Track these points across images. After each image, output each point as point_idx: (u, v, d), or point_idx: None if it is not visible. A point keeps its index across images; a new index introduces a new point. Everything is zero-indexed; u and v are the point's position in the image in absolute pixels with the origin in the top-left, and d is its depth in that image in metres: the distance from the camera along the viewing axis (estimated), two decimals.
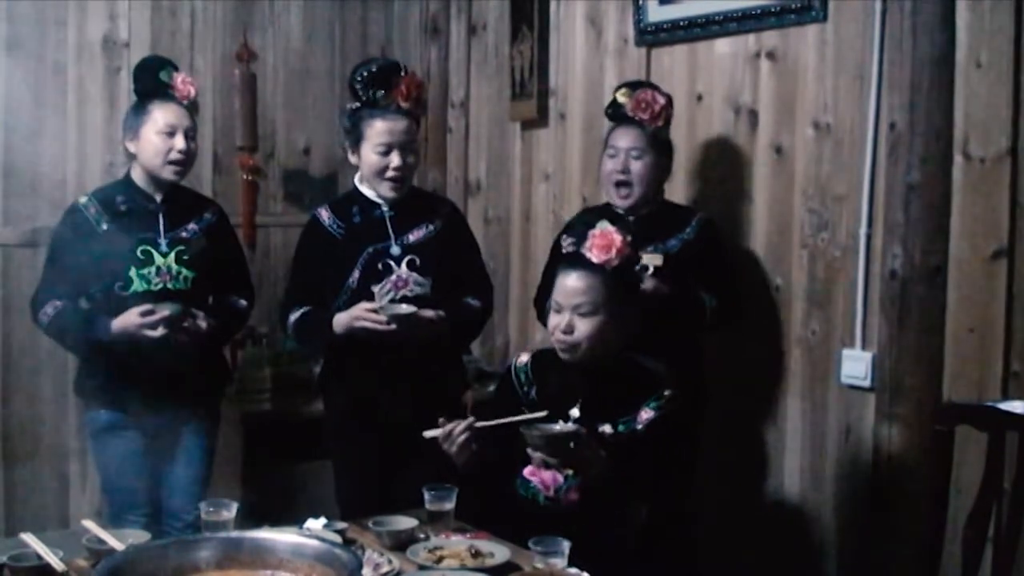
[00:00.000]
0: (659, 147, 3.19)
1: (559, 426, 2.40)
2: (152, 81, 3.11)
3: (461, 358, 3.49)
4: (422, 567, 2.15)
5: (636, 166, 3.16)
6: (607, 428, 2.46)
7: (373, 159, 3.06)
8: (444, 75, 4.69)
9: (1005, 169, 2.78)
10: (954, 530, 2.50)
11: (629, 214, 3.19)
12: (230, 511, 2.32)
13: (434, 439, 2.45)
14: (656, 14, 3.69)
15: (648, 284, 3.00)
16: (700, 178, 3.62)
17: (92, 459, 3.36)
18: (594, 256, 2.46)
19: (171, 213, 3.12)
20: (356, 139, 3.09)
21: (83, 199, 3.13)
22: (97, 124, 4.09)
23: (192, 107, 3.14)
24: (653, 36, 3.72)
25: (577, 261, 2.50)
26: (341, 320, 3.01)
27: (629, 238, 2.50)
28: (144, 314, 2.95)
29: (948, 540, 2.46)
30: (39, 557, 2.12)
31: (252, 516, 2.41)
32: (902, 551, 2.93)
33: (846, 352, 3.17)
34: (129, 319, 2.96)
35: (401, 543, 2.27)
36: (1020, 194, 2.77)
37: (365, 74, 3.07)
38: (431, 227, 3.14)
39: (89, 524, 2.27)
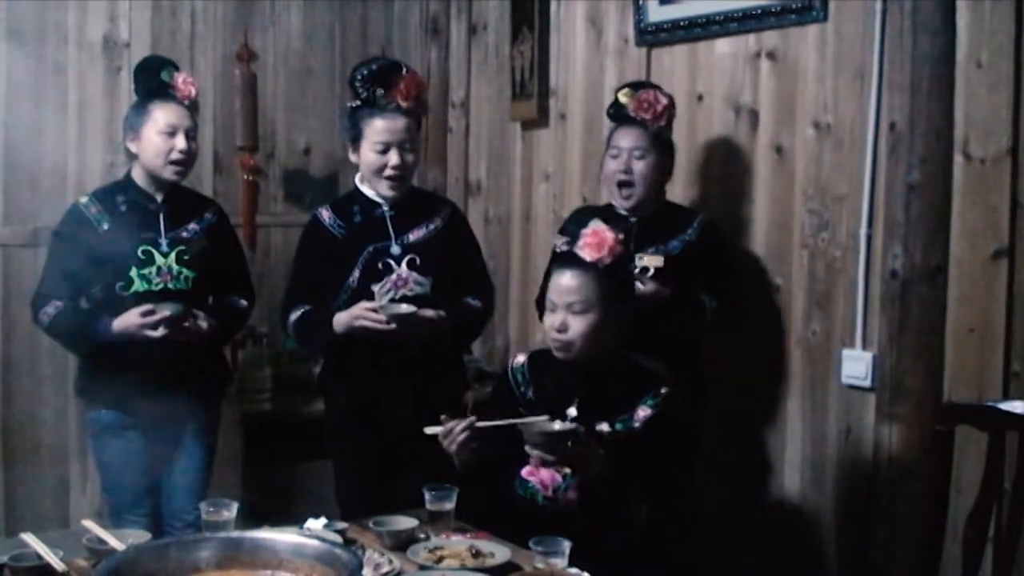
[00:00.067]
0: (661, 147, 3.19)
1: (558, 425, 2.41)
2: (153, 81, 3.11)
3: (462, 358, 3.50)
4: (422, 567, 2.15)
5: (639, 166, 3.16)
6: (605, 427, 2.47)
7: (372, 158, 3.06)
8: (444, 75, 4.69)
9: (1005, 169, 2.78)
10: (954, 530, 2.50)
11: (631, 215, 3.19)
12: (230, 511, 2.32)
13: (434, 436, 2.46)
14: (656, 14, 3.69)
15: (648, 286, 3.01)
16: (700, 178, 3.62)
17: (92, 459, 3.36)
18: (586, 254, 2.48)
19: (172, 213, 3.12)
20: (356, 138, 3.09)
21: (84, 199, 3.13)
22: (97, 124, 4.10)
23: (193, 107, 3.14)
24: (653, 36, 3.72)
25: (570, 260, 2.51)
26: (341, 319, 3.01)
27: (621, 236, 2.51)
28: (145, 314, 2.95)
29: (948, 540, 2.46)
30: (39, 557, 2.12)
31: (252, 516, 2.42)
32: (902, 551, 2.93)
33: (846, 352, 3.17)
34: (130, 319, 2.96)
35: (401, 543, 2.27)
36: (1020, 194, 2.77)
37: (365, 72, 3.08)
38: (431, 227, 3.14)
39: (89, 524, 2.27)
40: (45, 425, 4.04)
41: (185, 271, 3.09)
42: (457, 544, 2.25)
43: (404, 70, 3.10)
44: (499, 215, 4.54)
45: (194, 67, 4.18)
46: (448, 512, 2.45)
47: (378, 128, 3.04)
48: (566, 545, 2.20)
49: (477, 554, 2.19)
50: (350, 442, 3.15)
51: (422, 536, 2.32)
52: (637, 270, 3.08)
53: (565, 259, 2.53)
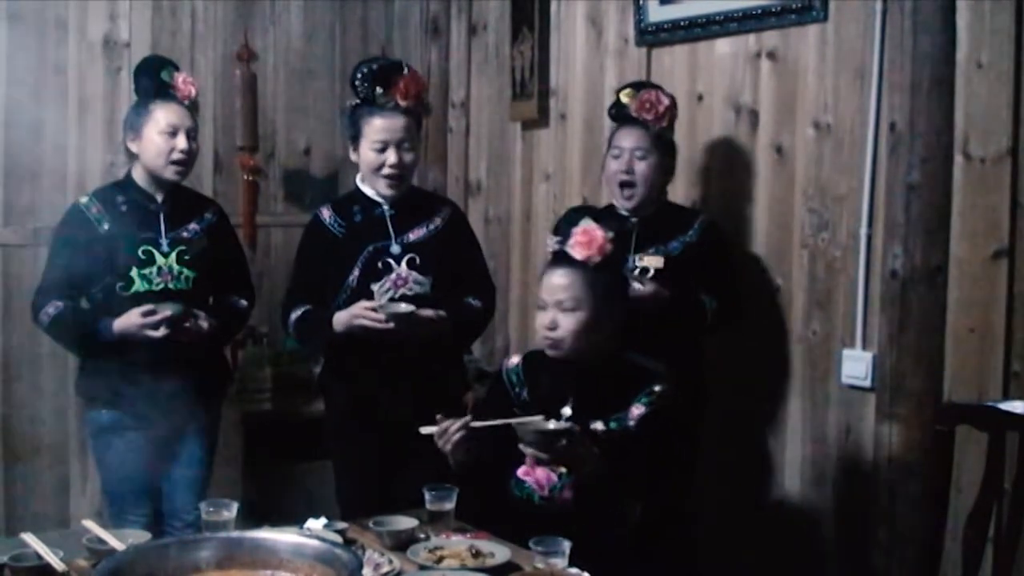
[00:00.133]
0: (663, 148, 3.19)
1: (552, 424, 2.42)
2: (153, 81, 3.10)
3: (462, 358, 3.50)
4: (422, 567, 2.15)
5: (640, 166, 3.16)
6: (599, 425, 2.47)
7: (370, 156, 3.06)
8: (444, 75, 4.69)
9: (1005, 169, 2.78)
10: (954, 530, 2.50)
11: (632, 215, 3.19)
12: (230, 511, 2.32)
13: (430, 436, 2.47)
14: (656, 14, 3.69)
15: (648, 287, 3.01)
16: (700, 178, 3.62)
17: (92, 459, 3.36)
18: (576, 253, 2.49)
19: (172, 213, 3.12)
20: (355, 136, 3.09)
21: (84, 199, 3.13)
22: (98, 124, 4.10)
23: (193, 107, 3.14)
24: (653, 36, 3.72)
25: (561, 259, 2.53)
26: (340, 318, 3.01)
27: (611, 235, 2.52)
28: (146, 314, 2.95)
29: (948, 540, 2.46)
30: (39, 557, 2.12)
31: (252, 516, 2.42)
32: (902, 551, 2.93)
33: (846, 352, 3.17)
34: (131, 319, 2.96)
35: (401, 543, 2.27)
36: (1020, 194, 2.77)
37: (366, 71, 3.08)
38: (432, 226, 3.14)
39: (89, 524, 2.27)
40: (45, 425, 4.04)
41: (186, 271, 3.09)
42: (457, 544, 2.25)
43: (405, 70, 3.10)
44: (499, 215, 4.54)
45: (194, 67, 4.18)
46: (448, 512, 2.45)
47: (377, 127, 3.05)
48: (566, 545, 2.20)
49: (477, 554, 2.19)
50: (350, 442, 3.15)
51: (422, 536, 2.32)
52: (637, 271, 3.09)
53: (556, 258, 2.55)
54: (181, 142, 3.07)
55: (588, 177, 3.99)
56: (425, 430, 2.48)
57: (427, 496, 2.46)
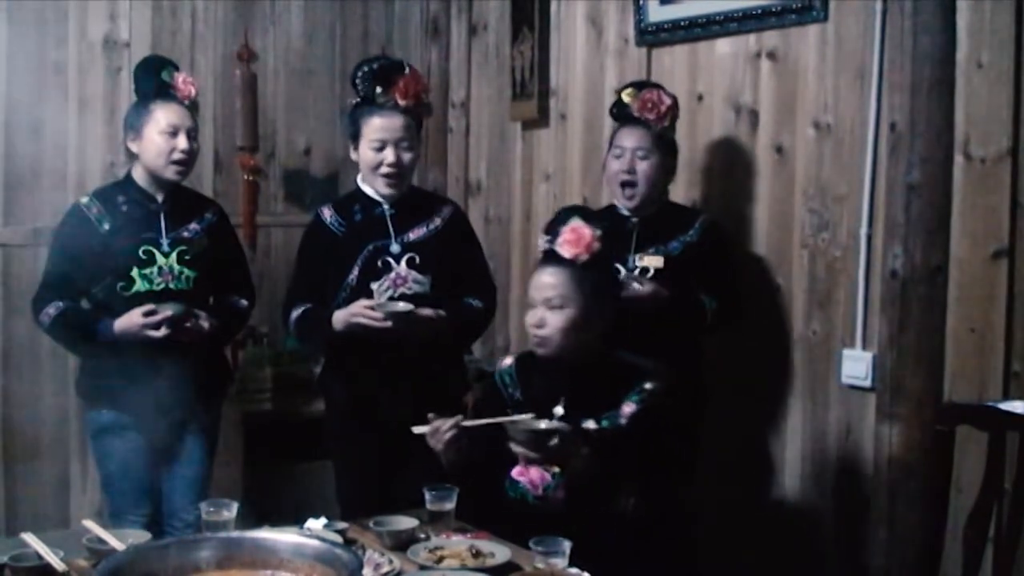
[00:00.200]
0: (665, 147, 3.19)
1: (543, 423, 2.42)
2: (153, 81, 3.11)
3: (462, 358, 3.49)
4: (423, 567, 2.15)
5: (642, 166, 3.16)
6: (591, 424, 2.47)
7: (369, 155, 3.07)
8: (445, 75, 4.69)
9: (1005, 169, 2.78)
10: (954, 530, 2.50)
11: (633, 215, 3.19)
12: (230, 511, 2.32)
13: (423, 435, 2.47)
14: (657, 14, 3.69)
15: (647, 287, 3.01)
16: (700, 178, 3.62)
17: (93, 459, 3.36)
18: (564, 251, 2.50)
19: (172, 213, 3.12)
20: (355, 135, 3.10)
21: (84, 199, 3.13)
22: (98, 124, 4.10)
23: (193, 107, 3.14)
24: (654, 36, 3.72)
25: (549, 257, 2.54)
26: (339, 317, 3.01)
27: (599, 233, 2.52)
28: (147, 314, 2.96)
29: (948, 540, 2.46)
30: (39, 557, 2.12)
31: (252, 516, 2.41)
32: (902, 551, 2.93)
33: (846, 352, 3.17)
34: (132, 319, 2.96)
35: (402, 543, 2.27)
36: (1020, 194, 2.77)
37: (366, 70, 3.08)
38: (432, 226, 3.14)
39: (90, 524, 2.27)
40: (45, 425, 4.04)
41: (186, 271, 3.09)
42: (457, 544, 2.25)
43: (406, 69, 3.11)
44: (499, 215, 4.54)
45: (194, 67, 4.18)
46: (448, 512, 2.45)
47: (375, 126, 3.05)
48: (566, 545, 2.20)
49: (477, 554, 2.19)
50: (350, 442, 3.15)
51: (422, 536, 2.32)
52: (637, 271, 3.09)
53: (546, 257, 2.55)
54: (181, 142, 3.07)
55: (588, 177, 3.99)
56: (417, 430, 2.48)
57: (427, 496, 2.46)
